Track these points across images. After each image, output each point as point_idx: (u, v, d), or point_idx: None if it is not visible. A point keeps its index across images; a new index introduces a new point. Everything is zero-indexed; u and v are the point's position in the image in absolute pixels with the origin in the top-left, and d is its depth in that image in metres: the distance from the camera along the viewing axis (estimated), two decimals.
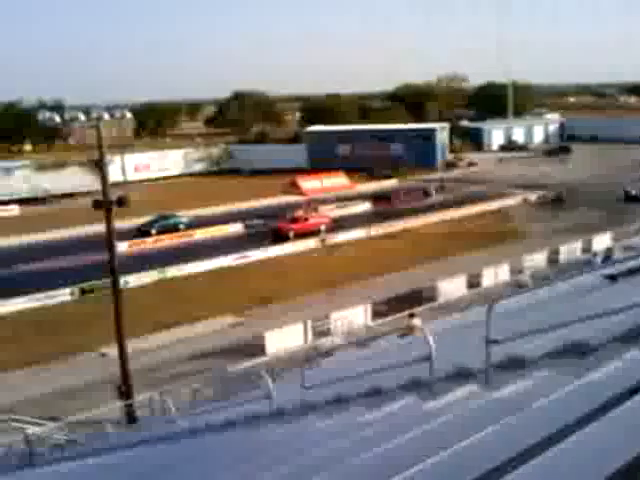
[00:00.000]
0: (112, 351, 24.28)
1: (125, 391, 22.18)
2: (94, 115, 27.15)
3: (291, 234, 49.20)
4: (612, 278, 10.78)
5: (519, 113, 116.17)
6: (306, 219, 51.78)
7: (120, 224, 47.41)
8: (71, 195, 69.42)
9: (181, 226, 53.47)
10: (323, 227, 51.03)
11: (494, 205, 57.34)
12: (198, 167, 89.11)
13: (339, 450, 4.89)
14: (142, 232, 51.45)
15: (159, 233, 51.54)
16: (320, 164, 75.55)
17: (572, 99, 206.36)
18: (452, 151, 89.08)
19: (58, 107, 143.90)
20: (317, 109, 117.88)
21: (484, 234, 46.23)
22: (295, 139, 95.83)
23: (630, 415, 3.37)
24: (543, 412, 3.82)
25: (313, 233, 49.47)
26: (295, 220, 51.61)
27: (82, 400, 23.25)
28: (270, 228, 51.18)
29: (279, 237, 48.80)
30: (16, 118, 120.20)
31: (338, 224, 51.86)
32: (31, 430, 20.06)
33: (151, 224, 52.53)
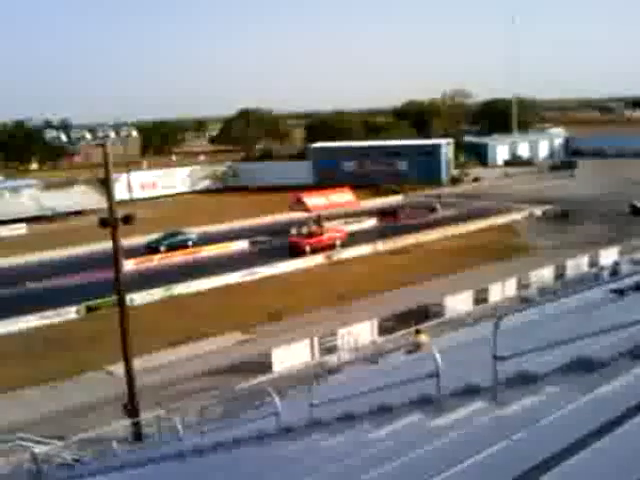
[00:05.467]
0: (119, 369, 24.25)
1: (131, 409, 22.13)
2: (100, 134, 27.28)
3: (307, 249, 49.47)
4: (619, 293, 10.75)
5: (524, 128, 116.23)
6: (322, 234, 52.06)
7: (129, 241, 48.27)
8: (78, 213, 69.71)
9: (190, 243, 53.66)
10: (339, 242, 51.31)
11: (500, 220, 57.29)
12: (204, 184, 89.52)
13: (347, 468, 4.88)
14: (151, 249, 51.64)
15: (168, 250, 51.64)
16: (326, 180, 75.74)
17: (577, 114, 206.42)
18: (457, 167, 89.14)
19: (64, 126, 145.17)
20: (322, 126, 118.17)
21: (490, 249, 46.15)
22: (300, 156, 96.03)
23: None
24: (551, 428, 3.81)
25: (329, 247, 49.89)
26: (311, 235, 51.96)
27: (90, 418, 23.24)
28: (287, 243, 51.68)
29: (296, 252, 49.16)
30: (24, 137, 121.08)
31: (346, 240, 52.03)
32: (38, 449, 20.04)
33: (160, 241, 52.69)
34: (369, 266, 44.86)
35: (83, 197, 72.87)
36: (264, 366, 27.34)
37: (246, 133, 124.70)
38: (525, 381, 5.61)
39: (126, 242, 47.92)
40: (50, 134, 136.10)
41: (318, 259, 47.25)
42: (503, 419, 4.51)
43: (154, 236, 53.12)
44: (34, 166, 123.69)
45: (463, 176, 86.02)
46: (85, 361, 29.32)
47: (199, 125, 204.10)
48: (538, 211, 60.27)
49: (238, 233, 56.02)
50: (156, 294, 39.62)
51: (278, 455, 7.44)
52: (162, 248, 51.88)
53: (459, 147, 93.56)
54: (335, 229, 54.45)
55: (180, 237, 53.85)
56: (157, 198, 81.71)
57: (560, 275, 37.63)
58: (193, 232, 55.07)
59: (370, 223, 60.05)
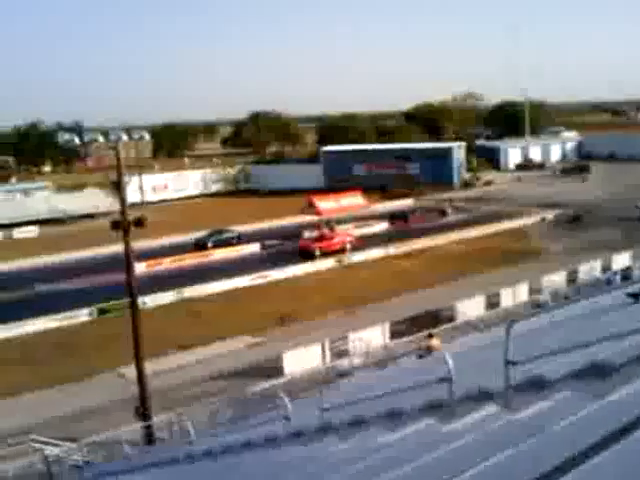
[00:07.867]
0: (131, 371, 24.31)
1: (143, 412, 22.18)
2: (112, 137, 27.43)
3: (317, 252, 49.49)
4: (633, 297, 10.66)
5: (536, 132, 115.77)
6: (332, 237, 52.05)
7: (166, 240, 52.27)
8: (90, 216, 69.97)
9: (234, 240, 55.10)
10: (349, 245, 51.26)
11: (512, 224, 57.01)
12: (216, 187, 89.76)
13: (358, 473, 4.87)
14: (198, 246, 53.19)
15: (215, 246, 53.17)
16: (337, 183, 75.58)
17: (588, 117, 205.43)
18: (469, 170, 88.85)
19: (77, 129, 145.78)
20: (333, 129, 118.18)
21: (502, 253, 45.95)
22: (312, 159, 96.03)
23: None
24: (564, 434, 3.78)
25: (339, 251, 49.81)
26: (321, 238, 51.99)
27: (101, 421, 23.29)
28: (297, 246, 51.87)
29: (305, 255, 49.24)
30: (37, 139, 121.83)
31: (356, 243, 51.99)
32: (50, 451, 20.13)
33: (207, 238, 54.21)
34: (380, 269, 44.79)
35: (95, 200, 73.15)
36: (275, 370, 27.34)
37: (257, 136, 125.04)
38: (537, 386, 5.58)
39: (160, 242, 49.75)
40: (63, 137, 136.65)
41: (329, 263, 47.22)
42: (515, 424, 4.49)
43: (201, 234, 54.82)
44: (47, 169, 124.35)
45: (475, 180, 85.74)
46: (97, 363, 29.41)
47: (211, 128, 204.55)
48: (550, 215, 59.99)
49: (249, 236, 56.16)
50: (168, 297, 39.71)
51: (288, 459, 7.43)
52: (210, 244, 53.51)
53: (471, 150, 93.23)
54: (345, 233, 54.44)
55: (226, 234, 55.48)
56: (169, 201, 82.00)
57: (572, 280, 37.42)
58: (237, 230, 56.41)
59: (381, 227, 59.97)
